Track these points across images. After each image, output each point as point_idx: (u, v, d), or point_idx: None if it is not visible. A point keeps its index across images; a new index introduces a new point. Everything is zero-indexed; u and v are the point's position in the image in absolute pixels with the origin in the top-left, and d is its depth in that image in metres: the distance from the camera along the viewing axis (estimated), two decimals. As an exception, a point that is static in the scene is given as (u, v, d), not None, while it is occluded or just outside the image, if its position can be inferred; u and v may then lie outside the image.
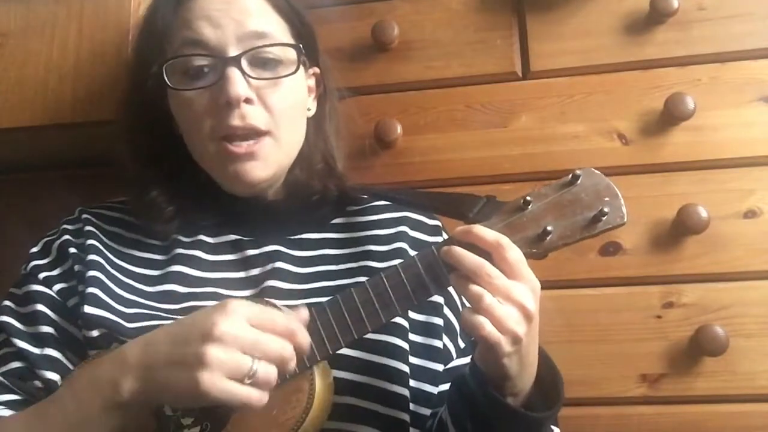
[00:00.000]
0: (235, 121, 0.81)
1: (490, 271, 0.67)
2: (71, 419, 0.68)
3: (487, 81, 1.11)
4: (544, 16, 1.10)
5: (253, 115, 0.81)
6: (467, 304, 0.90)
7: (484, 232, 0.68)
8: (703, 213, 1.00)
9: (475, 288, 0.66)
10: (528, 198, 0.71)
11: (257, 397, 0.63)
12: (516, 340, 0.66)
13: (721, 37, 1.05)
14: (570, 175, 0.72)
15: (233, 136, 0.82)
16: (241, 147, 0.82)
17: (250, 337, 0.64)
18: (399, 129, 1.09)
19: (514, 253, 0.68)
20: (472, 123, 1.10)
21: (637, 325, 1.02)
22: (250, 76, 0.81)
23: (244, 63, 0.81)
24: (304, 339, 0.67)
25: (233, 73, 0.80)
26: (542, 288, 1.02)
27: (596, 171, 0.72)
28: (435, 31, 1.13)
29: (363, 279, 0.82)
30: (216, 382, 0.61)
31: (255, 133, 0.82)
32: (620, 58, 1.08)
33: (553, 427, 0.79)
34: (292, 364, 0.66)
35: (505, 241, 0.68)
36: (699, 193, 1.03)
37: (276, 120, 0.83)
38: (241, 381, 0.62)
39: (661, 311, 1.02)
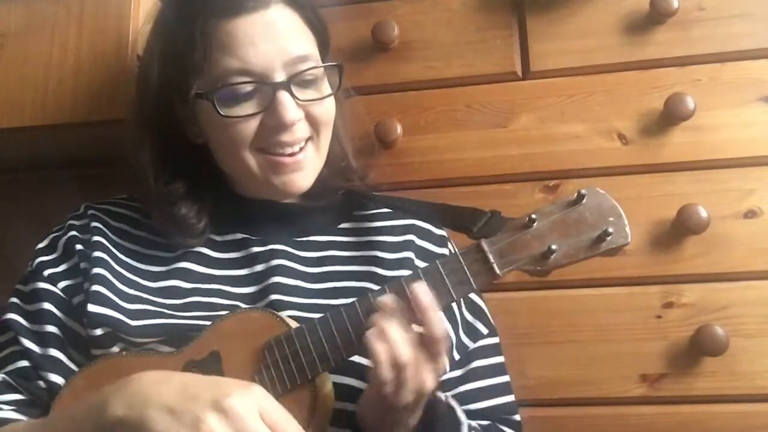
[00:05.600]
0: (286, 137, 0.82)
1: (415, 340, 0.68)
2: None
3: (487, 81, 1.11)
4: (544, 16, 1.10)
5: (301, 129, 0.83)
6: (466, 314, 0.90)
7: (434, 320, 0.68)
8: (703, 213, 1.00)
9: (400, 345, 0.67)
10: (533, 216, 0.72)
11: None
12: (404, 405, 0.69)
13: (721, 37, 1.05)
14: (575, 194, 0.72)
15: (281, 147, 0.83)
16: (287, 157, 0.83)
17: (252, 426, 0.61)
18: (399, 129, 1.09)
19: (445, 346, 0.69)
20: (472, 123, 1.10)
21: (637, 325, 1.02)
22: (299, 99, 0.82)
23: (292, 87, 0.81)
24: None
25: (285, 97, 0.81)
26: (542, 288, 1.05)
27: (601, 191, 0.73)
28: (435, 31, 1.13)
29: (370, 284, 0.82)
30: None
31: (302, 141, 0.84)
32: (620, 58, 1.08)
33: None
34: None
35: (445, 336, 0.68)
36: (699, 193, 1.03)
37: (318, 129, 0.85)
38: None
39: (661, 311, 1.02)
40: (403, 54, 1.13)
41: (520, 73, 1.11)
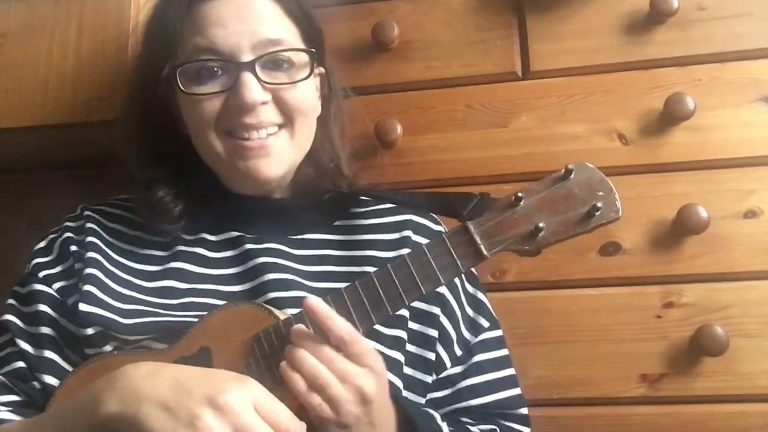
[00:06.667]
0: (250, 119, 0.82)
1: (328, 353, 0.67)
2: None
3: (487, 81, 1.11)
4: (544, 16, 1.10)
5: (267, 112, 0.83)
6: (467, 309, 0.90)
7: (336, 326, 0.68)
8: (703, 213, 1.00)
9: (312, 366, 0.67)
10: (520, 194, 0.70)
11: None
12: (354, 420, 0.67)
13: (721, 37, 1.05)
14: (563, 170, 0.71)
15: (246, 130, 0.82)
16: (254, 141, 0.82)
17: (248, 420, 0.62)
18: (399, 129, 1.09)
19: (359, 347, 0.68)
20: (472, 123, 1.10)
21: (637, 325, 1.02)
22: (264, 81, 0.82)
23: (257, 68, 0.81)
24: None
25: (248, 78, 0.80)
26: (542, 288, 1.05)
27: (590, 165, 0.71)
28: (435, 31, 1.13)
29: None
30: None
31: (270, 125, 0.83)
32: (620, 58, 1.08)
33: None
34: None
35: (350, 338, 0.67)
36: (699, 193, 1.02)
37: (291, 117, 0.84)
38: None
39: (661, 311, 1.02)
40: (403, 54, 1.13)
41: (520, 73, 1.11)
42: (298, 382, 0.67)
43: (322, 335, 0.68)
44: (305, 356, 0.67)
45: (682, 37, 1.06)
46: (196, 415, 0.61)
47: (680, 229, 1.01)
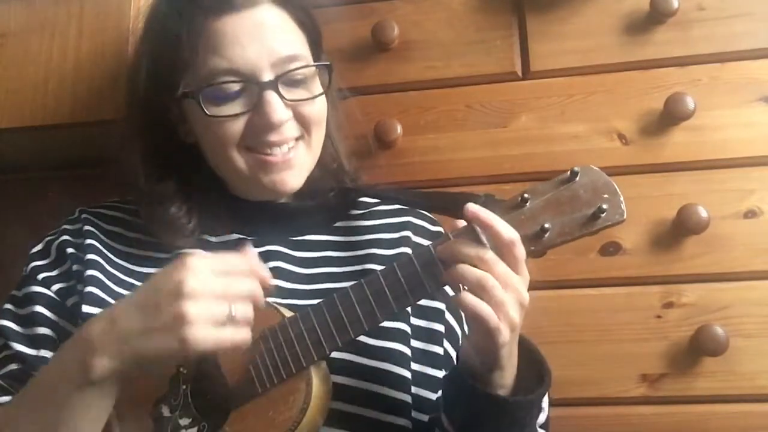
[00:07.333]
0: (273, 137, 0.82)
1: (492, 257, 0.68)
2: (45, 407, 0.68)
3: (487, 81, 1.11)
4: (544, 16, 1.10)
5: (289, 128, 0.83)
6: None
7: (502, 228, 0.68)
8: (703, 213, 1.00)
9: (477, 271, 0.67)
10: (526, 195, 0.71)
11: (242, 336, 0.65)
12: (513, 327, 0.67)
13: (721, 37, 1.05)
14: (568, 172, 0.71)
15: (269, 147, 0.82)
16: (277, 156, 0.83)
17: (220, 285, 0.64)
18: (399, 129, 1.09)
19: (521, 251, 0.69)
20: (472, 123, 1.10)
21: (637, 325, 1.02)
22: (287, 99, 0.82)
23: (280, 86, 0.81)
24: (266, 272, 0.69)
25: (272, 97, 0.80)
26: (542, 288, 1.05)
27: (595, 168, 0.72)
28: (435, 31, 1.13)
29: None
30: (203, 334, 0.62)
31: (291, 140, 0.84)
32: (620, 58, 1.08)
33: (543, 406, 0.79)
34: (262, 298, 0.68)
35: (517, 238, 0.68)
36: (699, 193, 1.02)
37: (308, 129, 0.85)
38: (223, 326, 0.63)
39: (661, 311, 1.02)
40: (403, 54, 1.13)
41: (520, 73, 1.11)
42: (463, 282, 0.67)
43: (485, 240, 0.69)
44: (471, 248, 0.68)
45: (682, 37, 1.06)
46: (180, 314, 0.62)
47: (680, 229, 1.01)
